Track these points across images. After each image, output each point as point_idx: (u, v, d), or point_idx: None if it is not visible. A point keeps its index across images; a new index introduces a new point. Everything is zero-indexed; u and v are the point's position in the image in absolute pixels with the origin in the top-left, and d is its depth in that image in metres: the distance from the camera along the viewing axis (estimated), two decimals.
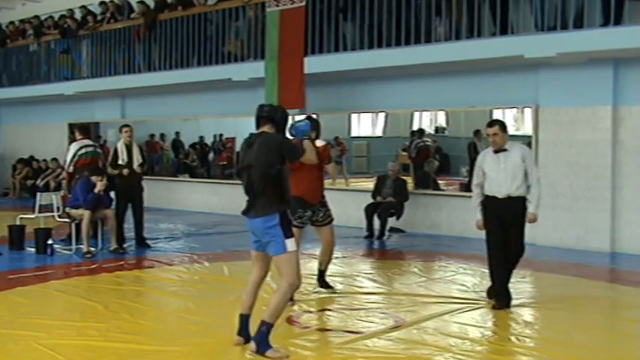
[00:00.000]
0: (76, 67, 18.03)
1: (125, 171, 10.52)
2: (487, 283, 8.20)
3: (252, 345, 5.33)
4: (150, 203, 11.33)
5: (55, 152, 18.82)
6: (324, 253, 7.50)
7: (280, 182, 5.32)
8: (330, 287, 7.61)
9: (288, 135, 5.73)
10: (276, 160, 5.29)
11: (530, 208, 6.86)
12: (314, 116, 8.59)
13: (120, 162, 10.55)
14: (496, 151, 6.90)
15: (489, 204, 6.92)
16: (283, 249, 5.24)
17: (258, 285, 5.65)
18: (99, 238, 10.63)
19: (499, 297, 6.95)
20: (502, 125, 6.97)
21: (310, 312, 6.81)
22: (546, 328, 6.32)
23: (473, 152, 12.11)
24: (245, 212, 5.37)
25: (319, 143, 7.19)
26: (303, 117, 6.18)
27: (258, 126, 5.48)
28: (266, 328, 5.29)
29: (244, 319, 5.60)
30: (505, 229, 6.88)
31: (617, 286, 8.44)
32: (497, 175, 6.87)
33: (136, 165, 10.63)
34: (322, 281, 7.57)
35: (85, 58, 17.70)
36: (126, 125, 10.89)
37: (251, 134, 5.50)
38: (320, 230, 7.31)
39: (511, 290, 7.06)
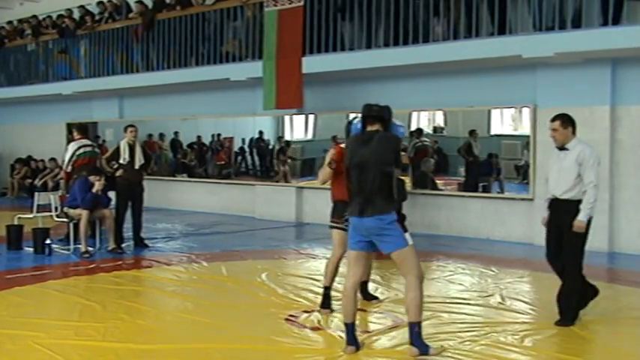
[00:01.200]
0: (74, 67, 18.02)
1: (119, 171, 10.52)
2: (485, 282, 8.22)
3: (414, 350, 5.23)
4: (148, 203, 11.33)
5: (53, 152, 18.82)
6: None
7: (393, 180, 5.29)
8: (375, 298, 7.38)
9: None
10: (392, 160, 5.30)
11: (579, 215, 6.30)
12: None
13: (122, 161, 10.56)
14: (559, 149, 6.52)
15: (550, 203, 6.62)
16: (405, 243, 5.25)
17: (357, 288, 5.58)
18: (97, 237, 10.63)
19: (560, 309, 6.51)
20: (564, 121, 6.48)
21: (309, 312, 6.80)
22: (545, 328, 6.31)
23: (465, 152, 12.14)
24: (360, 213, 5.26)
25: None
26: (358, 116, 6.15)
27: (365, 125, 5.48)
28: (418, 328, 5.24)
29: (352, 328, 5.47)
30: (560, 233, 6.47)
31: (615, 286, 8.44)
32: (552, 174, 6.57)
33: (137, 165, 10.64)
34: (366, 293, 7.32)
35: (83, 58, 17.69)
36: (131, 125, 10.90)
37: (362, 132, 5.48)
38: None
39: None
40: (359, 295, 7.32)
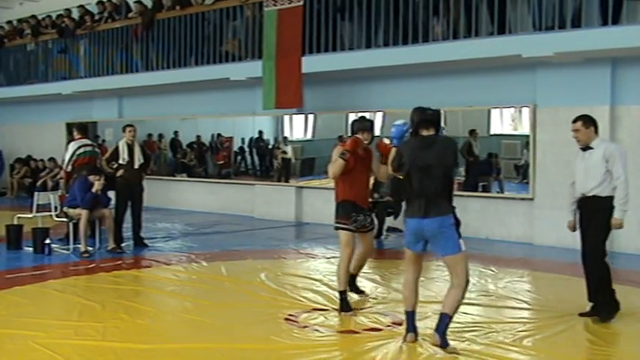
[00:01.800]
0: (74, 67, 18.02)
1: (120, 172, 10.52)
2: (485, 282, 8.22)
3: (437, 337, 5.43)
4: (148, 203, 11.32)
5: (53, 152, 18.82)
6: (360, 259, 7.23)
7: (453, 183, 5.55)
8: (362, 292, 7.44)
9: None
10: (453, 163, 5.56)
11: (615, 213, 6.40)
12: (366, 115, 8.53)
13: (121, 161, 10.56)
14: (583, 149, 6.62)
15: (578, 203, 6.74)
16: (458, 248, 5.40)
17: (417, 282, 5.77)
18: (97, 237, 10.63)
19: (594, 306, 6.64)
20: (585, 121, 6.59)
21: (308, 311, 6.80)
22: (544, 328, 6.31)
23: (466, 152, 12.13)
24: (423, 214, 5.39)
25: (387, 140, 6.92)
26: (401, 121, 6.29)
27: (419, 129, 5.65)
28: (448, 320, 5.45)
29: (412, 316, 5.72)
30: (587, 230, 6.62)
31: (615, 286, 8.41)
32: (578, 174, 6.66)
33: (137, 165, 10.64)
34: (353, 286, 7.36)
35: (83, 58, 17.69)
36: (130, 125, 10.89)
37: (417, 136, 5.64)
38: (363, 236, 7.01)
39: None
40: (353, 295, 7.37)
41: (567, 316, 6.69)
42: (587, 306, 6.72)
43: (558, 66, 10.74)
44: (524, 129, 11.50)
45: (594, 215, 6.49)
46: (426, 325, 6.07)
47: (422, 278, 8.42)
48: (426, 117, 5.66)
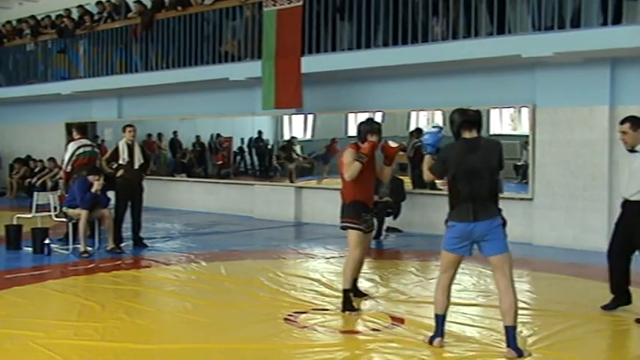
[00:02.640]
0: (73, 67, 18.02)
1: (120, 172, 10.53)
2: (484, 282, 8.22)
3: (513, 353, 5.31)
4: (147, 203, 11.31)
5: (52, 152, 18.82)
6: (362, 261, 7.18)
7: (498, 186, 5.54)
8: (364, 295, 7.35)
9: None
10: (499, 166, 5.48)
11: None
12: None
13: (121, 161, 10.56)
14: (630, 151, 6.50)
15: (622, 205, 6.66)
16: (506, 248, 5.37)
17: (451, 286, 5.68)
18: (96, 237, 10.63)
19: (615, 299, 6.74)
20: (634, 123, 6.41)
21: (308, 312, 6.80)
22: (543, 328, 6.32)
23: None
24: (473, 218, 5.32)
25: (393, 144, 7.00)
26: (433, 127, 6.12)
27: (461, 130, 5.48)
28: (514, 330, 5.36)
29: (444, 320, 5.66)
30: (630, 235, 6.53)
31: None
32: (623, 177, 6.61)
33: (137, 165, 10.64)
34: (355, 289, 7.24)
35: (82, 58, 17.69)
36: (130, 125, 10.89)
37: (463, 139, 5.46)
38: (365, 237, 6.94)
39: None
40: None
41: (566, 316, 6.69)
42: (608, 298, 6.84)
43: (558, 66, 10.74)
44: (524, 129, 11.50)
45: (634, 222, 6.39)
46: (426, 323, 6.07)
47: (421, 278, 8.47)
48: (469, 118, 5.52)
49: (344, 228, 6.83)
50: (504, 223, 5.41)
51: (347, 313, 6.68)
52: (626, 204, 6.56)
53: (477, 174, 5.33)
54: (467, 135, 5.47)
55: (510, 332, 5.32)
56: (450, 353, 5.48)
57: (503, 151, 5.55)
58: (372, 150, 6.67)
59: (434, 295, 5.70)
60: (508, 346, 5.34)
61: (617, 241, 6.74)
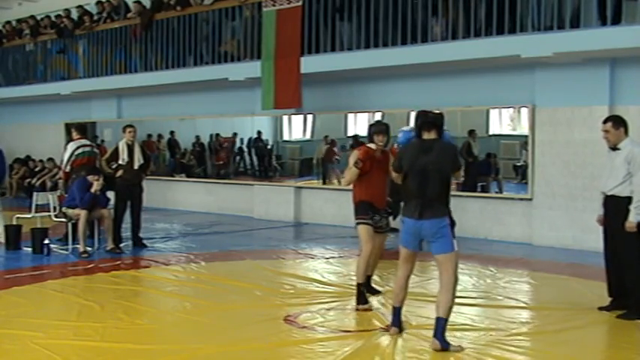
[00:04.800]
0: (73, 67, 18.02)
1: (119, 172, 10.53)
2: (484, 282, 8.23)
3: (437, 343, 5.49)
4: (146, 203, 11.31)
5: (52, 152, 18.81)
6: (374, 259, 7.35)
7: (450, 187, 5.67)
8: (377, 292, 7.50)
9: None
10: (451, 168, 5.68)
11: (629, 216, 6.49)
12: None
13: (120, 162, 10.56)
14: (612, 149, 6.71)
15: (603, 201, 6.87)
16: (452, 248, 5.57)
17: (408, 279, 5.99)
18: (95, 237, 10.63)
19: (613, 301, 6.84)
20: (616, 122, 6.68)
21: (308, 312, 6.80)
22: (543, 328, 6.32)
23: (466, 153, 12.13)
24: (418, 215, 5.56)
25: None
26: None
27: (421, 131, 5.69)
28: (445, 322, 5.52)
29: (399, 311, 5.99)
30: (611, 230, 6.77)
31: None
32: (605, 173, 6.82)
33: (136, 165, 10.63)
34: (368, 286, 7.37)
35: (82, 58, 17.69)
36: (130, 125, 10.89)
37: (420, 139, 5.69)
38: (376, 236, 7.10)
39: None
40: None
41: (566, 316, 6.70)
42: (607, 301, 6.90)
43: (557, 66, 10.74)
44: (523, 129, 11.51)
45: (615, 217, 6.59)
46: (426, 324, 6.08)
47: (420, 278, 8.47)
48: (428, 119, 5.70)
49: (355, 225, 7.01)
50: (453, 224, 5.65)
51: (359, 306, 6.83)
52: (607, 200, 6.78)
53: (427, 174, 5.54)
54: (425, 136, 5.68)
55: (440, 322, 5.50)
56: (450, 353, 5.47)
57: (458, 153, 5.89)
58: (365, 156, 6.76)
59: (393, 287, 6.11)
60: (434, 336, 5.52)
61: (608, 242, 6.87)
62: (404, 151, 5.86)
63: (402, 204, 6.90)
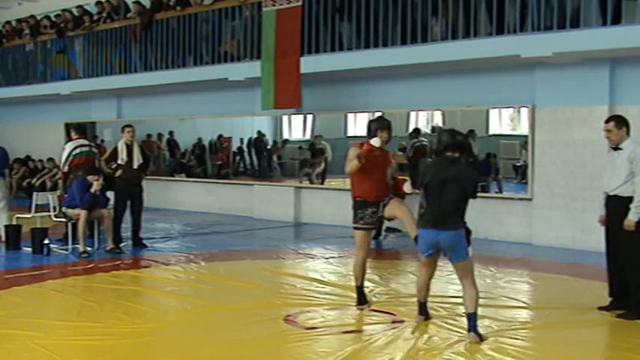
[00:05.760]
0: (72, 67, 18.02)
1: (118, 172, 10.53)
2: (484, 282, 8.22)
3: (474, 337, 5.78)
4: (146, 203, 11.30)
5: (52, 152, 18.78)
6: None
7: (467, 204, 5.94)
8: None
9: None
10: (471, 190, 5.92)
11: (629, 214, 6.50)
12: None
13: (120, 161, 10.56)
14: (614, 149, 6.74)
15: (605, 201, 6.90)
16: (467, 256, 5.89)
17: (430, 280, 6.35)
18: (95, 237, 10.63)
19: (613, 301, 6.86)
20: (618, 122, 6.69)
21: (307, 312, 6.80)
22: (542, 328, 6.32)
23: (466, 153, 12.09)
24: (435, 226, 5.86)
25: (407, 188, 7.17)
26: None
27: (446, 151, 5.93)
28: (474, 316, 5.85)
29: (424, 304, 6.45)
30: (613, 230, 6.78)
31: None
32: (606, 173, 6.83)
33: (136, 165, 10.63)
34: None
35: (81, 58, 17.69)
36: (128, 125, 10.89)
37: (443, 155, 5.95)
38: (392, 205, 6.93)
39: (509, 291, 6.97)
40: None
41: (566, 316, 6.70)
42: (607, 300, 6.91)
43: (557, 66, 10.74)
44: (523, 129, 11.50)
45: (618, 218, 6.59)
46: (423, 325, 6.07)
47: (415, 277, 8.46)
48: (456, 143, 5.96)
49: (354, 227, 6.99)
50: (469, 233, 5.94)
51: (359, 307, 6.89)
52: (609, 200, 6.78)
53: (447, 188, 5.79)
54: (449, 153, 5.94)
55: (471, 318, 5.83)
56: (450, 353, 5.47)
57: (478, 179, 6.07)
58: (369, 154, 6.64)
59: (417, 283, 6.48)
60: (469, 331, 5.83)
61: (610, 242, 6.87)
62: (427, 167, 6.09)
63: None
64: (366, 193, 6.85)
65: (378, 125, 6.80)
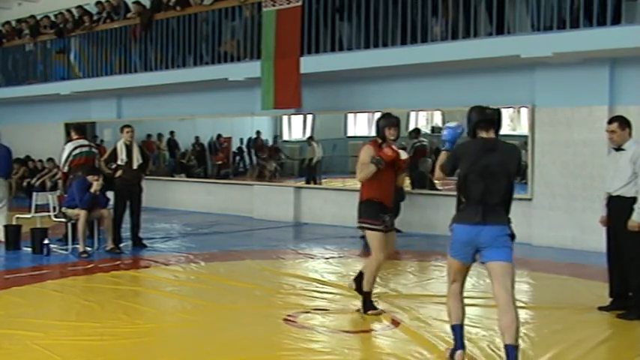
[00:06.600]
0: (72, 67, 18.02)
1: (118, 172, 10.53)
2: (484, 282, 8.21)
3: None
4: (146, 203, 11.31)
5: (52, 152, 18.80)
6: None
7: (513, 193, 5.08)
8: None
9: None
10: (516, 170, 5.19)
11: (633, 215, 6.48)
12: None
13: (119, 162, 10.56)
14: (616, 149, 6.75)
15: (607, 201, 6.88)
16: (511, 259, 4.87)
17: (462, 294, 5.23)
18: (95, 237, 10.63)
19: (614, 302, 6.86)
20: (622, 122, 6.69)
21: (307, 312, 6.80)
22: (542, 328, 6.32)
23: None
24: (480, 220, 4.86)
25: (403, 156, 6.67)
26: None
27: (477, 130, 5.21)
28: (517, 352, 4.79)
29: (461, 330, 5.20)
30: (615, 231, 6.77)
31: None
32: (608, 173, 6.83)
33: (135, 165, 10.63)
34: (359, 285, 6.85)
35: (81, 58, 17.69)
36: (127, 125, 10.88)
37: (481, 138, 5.17)
38: (387, 236, 6.65)
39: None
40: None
41: (566, 316, 6.70)
42: (608, 301, 6.92)
43: (557, 66, 10.74)
44: (523, 129, 11.49)
45: (621, 218, 6.59)
46: (423, 325, 6.07)
47: (420, 278, 8.47)
48: (486, 117, 5.21)
49: (361, 228, 6.65)
50: (512, 236, 4.95)
51: (369, 313, 6.57)
52: (611, 201, 6.77)
53: (493, 176, 4.94)
54: (484, 135, 5.17)
55: (511, 353, 4.74)
56: (443, 351, 5.47)
57: (522, 157, 5.30)
58: (393, 159, 6.41)
59: (446, 305, 5.27)
60: None
61: (612, 243, 6.88)
62: (462, 150, 5.20)
63: (401, 204, 6.61)
64: (383, 196, 6.53)
65: (387, 122, 6.55)
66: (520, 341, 5.56)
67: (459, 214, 5.06)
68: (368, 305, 6.65)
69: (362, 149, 6.58)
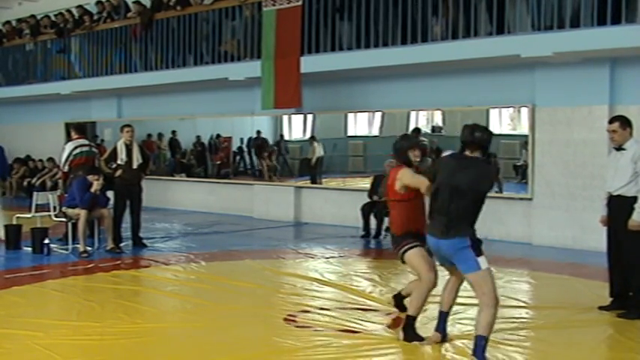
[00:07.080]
0: (72, 67, 18.02)
1: (118, 172, 10.53)
2: None
3: None
4: (146, 203, 11.31)
5: (52, 152, 18.78)
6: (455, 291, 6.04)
7: (481, 209, 5.25)
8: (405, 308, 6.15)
9: None
10: (486, 191, 5.28)
11: (633, 214, 6.49)
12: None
13: (119, 162, 10.56)
14: (617, 149, 6.77)
15: (607, 201, 6.90)
16: (477, 267, 5.15)
17: (458, 286, 5.72)
18: (95, 237, 10.63)
19: (614, 301, 6.87)
20: (623, 122, 6.69)
21: (308, 311, 6.80)
22: (542, 328, 6.32)
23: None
24: (440, 234, 5.21)
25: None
26: None
27: (465, 147, 5.32)
28: (484, 342, 5.14)
29: (444, 316, 5.77)
30: (615, 231, 6.79)
31: None
32: (609, 173, 6.84)
33: (135, 165, 10.63)
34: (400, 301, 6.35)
35: (81, 58, 17.69)
36: (127, 125, 10.87)
37: (459, 154, 5.36)
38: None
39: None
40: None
41: (566, 316, 6.70)
42: (608, 300, 6.93)
43: (557, 66, 10.74)
44: (523, 129, 11.50)
45: (622, 218, 6.59)
46: (425, 324, 6.07)
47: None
48: (474, 140, 5.28)
49: (402, 256, 5.89)
50: (479, 242, 5.17)
51: (414, 343, 5.73)
52: (612, 200, 6.79)
53: (460, 193, 5.15)
54: (468, 153, 5.32)
55: (479, 341, 5.12)
56: (450, 352, 5.47)
57: (496, 172, 5.46)
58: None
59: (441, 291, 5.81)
60: (473, 354, 5.16)
61: (612, 242, 6.89)
62: (441, 165, 5.46)
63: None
64: (417, 225, 5.87)
65: (410, 144, 6.04)
66: (518, 340, 5.58)
67: (428, 224, 5.46)
68: (411, 333, 5.80)
69: (402, 174, 5.84)
